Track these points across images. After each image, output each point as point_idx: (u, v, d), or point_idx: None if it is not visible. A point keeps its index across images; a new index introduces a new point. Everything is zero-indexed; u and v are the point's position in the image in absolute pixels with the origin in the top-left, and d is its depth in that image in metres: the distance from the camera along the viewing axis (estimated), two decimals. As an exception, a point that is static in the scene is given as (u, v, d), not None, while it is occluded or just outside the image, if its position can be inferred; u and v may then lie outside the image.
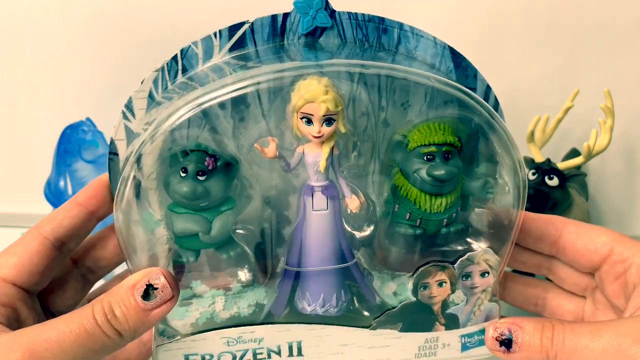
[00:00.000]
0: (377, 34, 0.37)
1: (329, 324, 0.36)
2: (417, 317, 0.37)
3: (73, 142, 0.54)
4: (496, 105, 0.39)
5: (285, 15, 0.36)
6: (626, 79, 0.49)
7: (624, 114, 0.45)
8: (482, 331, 0.37)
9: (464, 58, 0.38)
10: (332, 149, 0.34)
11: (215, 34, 0.36)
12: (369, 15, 0.37)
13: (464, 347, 0.38)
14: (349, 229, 0.36)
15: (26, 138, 0.62)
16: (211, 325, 0.36)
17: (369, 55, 0.36)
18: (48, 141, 0.56)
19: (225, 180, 0.34)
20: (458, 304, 0.37)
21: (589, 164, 0.52)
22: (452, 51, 0.38)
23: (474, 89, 0.38)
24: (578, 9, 0.48)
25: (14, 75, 0.59)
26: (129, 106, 0.36)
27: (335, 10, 0.36)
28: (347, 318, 0.37)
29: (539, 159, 0.50)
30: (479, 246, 0.37)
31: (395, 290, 0.37)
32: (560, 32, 0.46)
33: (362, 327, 0.36)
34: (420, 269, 0.36)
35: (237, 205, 0.35)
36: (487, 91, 0.39)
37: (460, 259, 0.36)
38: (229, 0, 0.45)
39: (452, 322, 0.37)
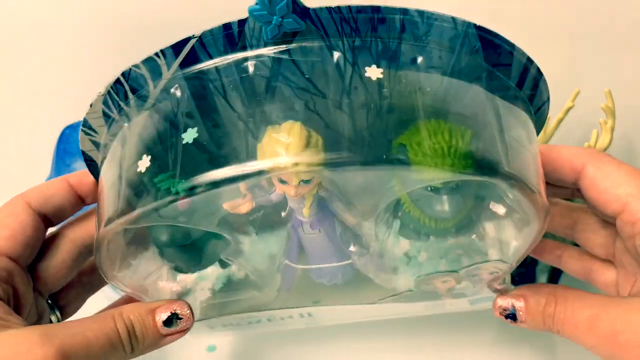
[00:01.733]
0: (370, 25, 0.27)
1: (333, 304, 0.38)
2: (422, 296, 0.37)
3: (72, 142, 0.51)
4: (538, 77, 0.30)
5: (242, 22, 0.27)
6: (627, 79, 0.47)
7: (625, 114, 0.42)
8: (491, 298, 0.38)
9: (496, 34, 0.28)
10: (317, 193, 0.30)
11: (157, 54, 0.28)
12: (357, 6, 0.26)
13: (473, 302, 0.39)
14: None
15: (25, 138, 0.59)
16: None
17: (365, 53, 0.28)
18: (47, 141, 0.53)
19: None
20: (464, 288, 0.36)
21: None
22: (480, 28, 0.28)
23: (507, 65, 0.29)
24: (578, 9, 0.46)
25: (13, 75, 0.55)
26: (86, 125, 0.32)
27: (308, 8, 0.26)
28: (354, 293, 0.38)
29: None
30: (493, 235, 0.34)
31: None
32: (561, 32, 0.44)
33: (367, 303, 0.38)
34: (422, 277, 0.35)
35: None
36: (527, 64, 0.30)
37: (466, 269, 0.34)
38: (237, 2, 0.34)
39: (458, 296, 0.37)
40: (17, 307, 0.32)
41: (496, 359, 0.38)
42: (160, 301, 0.33)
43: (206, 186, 0.25)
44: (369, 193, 0.29)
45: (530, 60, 0.29)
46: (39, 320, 0.33)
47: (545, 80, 0.31)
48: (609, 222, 0.34)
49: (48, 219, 0.34)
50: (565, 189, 0.35)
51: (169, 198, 0.25)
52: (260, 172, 0.25)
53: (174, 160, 0.26)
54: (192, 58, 0.28)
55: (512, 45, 0.28)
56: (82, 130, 0.32)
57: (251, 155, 0.26)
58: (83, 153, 0.34)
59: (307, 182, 0.28)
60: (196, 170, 0.26)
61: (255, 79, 0.28)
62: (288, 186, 0.28)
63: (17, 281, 0.32)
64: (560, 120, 0.42)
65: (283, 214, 0.32)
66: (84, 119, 0.31)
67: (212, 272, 0.36)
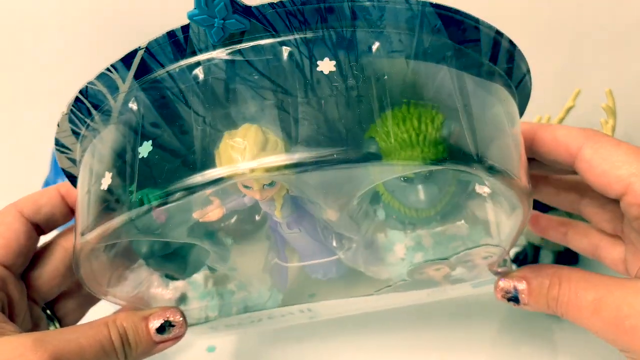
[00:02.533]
0: (319, 16, 0.26)
1: (331, 299, 0.37)
2: (417, 285, 0.36)
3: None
4: (511, 50, 0.29)
5: (185, 28, 0.26)
6: (628, 78, 0.46)
7: (626, 113, 0.42)
8: (493, 280, 0.36)
9: (457, 10, 0.26)
10: (287, 193, 0.29)
11: (109, 69, 0.28)
12: (301, -3, 0.25)
13: (475, 285, 0.38)
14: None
15: (24, 138, 0.59)
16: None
17: (319, 45, 0.26)
18: (46, 141, 0.51)
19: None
20: (461, 273, 0.35)
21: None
22: (437, 6, 0.26)
23: (476, 41, 0.28)
24: (579, 9, 0.46)
25: (12, 75, 0.56)
26: (59, 144, 0.32)
27: (250, 7, 0.25)
28: (350, 286, 0.37)
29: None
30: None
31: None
32: (561, 31, 0.44)
33: (365, 295, 0.37)
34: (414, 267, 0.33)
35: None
36: (497, 38, 0.28)
37: (456, 255, 0.32)
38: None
39: (457, 282, 0.36)
40: (11, 315, 0.32)
41: (496, 357, 0.37)
42: (153, 309, 0.33)
43: (160, 199, 0.25)
44: (337, 188, 0.28)
45: (499, 33, 0.27)
46: (34, 328, 0.34)
47: (520, 52, 0.29)
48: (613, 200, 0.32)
49: (40, 228, 0.35)
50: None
51: (127, 214, 0.25)
52: (217, 180, 0.25)
53: (131, 175, 0.26)
54: (144, 69, 0.27)
55: (476, 20, 0.27)
56: (56, 149, 0.32)
57: (208, 163, 0.25)
58: (63, 170, 0.34)
59: (270, 185, 0.27)
60: (151, 183, 0.25)
61: (212, 83, 0.27)
62: (253, 191, 0.27)
63: (10, 289, 0.33)
64: (561, 120, 0.42)
65: (257, 217, 0.31)
66: (55, 138, 0.31)
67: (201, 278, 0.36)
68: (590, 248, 0.34)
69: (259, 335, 0.44)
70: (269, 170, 0.24)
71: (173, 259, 0.33)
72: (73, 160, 0.33)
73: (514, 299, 0.32)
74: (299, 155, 0.25)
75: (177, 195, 0.25)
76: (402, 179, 0.28)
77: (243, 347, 0.45)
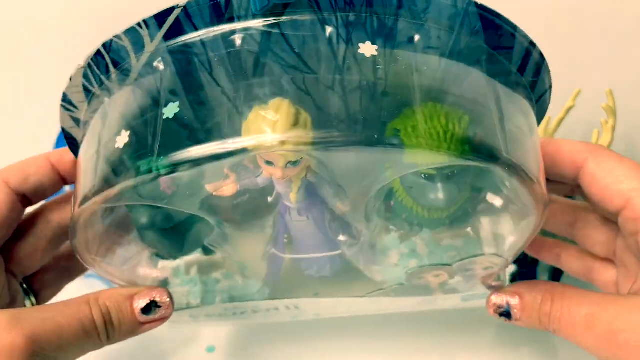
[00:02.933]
0: (365, 0, 0.26)
1: (321, 297, 0.36)
2: (411, 291, 0.36)
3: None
4: (540, 63, 0.29)
5: (229, -8, 0.25)
6: (628, 78, 0.46)
7: (626, 113, 0.42)
8: (484, 295, 0.36)
9: (498, 14, 0.27)
10: (306, 177, 0.28)
11: (140, 24, 0.26)
12: (352, -23, 0.25)
13: (465, 299, 0.38)
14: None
15: (24, 137, 0.57)
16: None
17: (359, 29, 0.26)
18: (46, 140, 0.52)
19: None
20: (457, 283, 0.35)
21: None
22: (481, 7, 0.26)
23: (509, 49, 0.28)
24: (579, 9, 0.46)
25: (12, 74, 0.54)
26: (66, 100, 0.30)
27: (300, -22, 0.25)
28: (342, 286, 0.37)
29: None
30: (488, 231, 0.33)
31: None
32: (561, 31, 0.44)
33: (355, 296, 0.36)
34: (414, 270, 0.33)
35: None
36: (530, 48, 0.28)
37: (459, 262, 0.32)
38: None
39: (450, 291, 0.36)
40: None
41: (496, 358, 0.37)
42: (139, 287, 0.32)
43: (186, 164, 0.24)
44: (359, 178, 0.27)
45: (532, 44, 0.28)
46: (11, 303, 0.32)
47: (547, 67, 0.29)
48: (610, 219, 0.33)
49: (27, 198, 0.33)
50: (565, 186, 0.33)
51: (149, 176, 0.24)
52: (243, 150, 0.24)
53: (153, 136, 0.25)
54: (177, 29, 0.27)
55: (515, 27, 0.27)
56: (61, 105, 0.31)
57: (235, 133, 0.24)
58: (63, 130, 0.32)
59: (294, 164, 0.26)
60: (177, 147, 0.24)
61: (242, 54, 0.26)
62: (274, 168, 0.26)
63: None
64: (562, 120, 0.42)
65: (270, 199, 0.30)
66: (64, 93, 0.30)
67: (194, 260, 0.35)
68: (583, 271, 0.35)
69: (259, 336, 0.43)
70: (299, 144, 0.24)
71: (171, 236, 0.31)
72: (77, 121, 0.31)
73: (506, 314, 0.32)
74: (330, 133, 0.24)
75: (203, 161, 0.24)
76: (423, 175, 0.28)
77: (243, 348, 0.43)
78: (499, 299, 0.32)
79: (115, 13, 0.52)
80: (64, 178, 0.34)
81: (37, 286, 0.35)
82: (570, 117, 0.42)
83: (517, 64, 0.29)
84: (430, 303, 0.38)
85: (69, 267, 0.36)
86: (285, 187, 0.28)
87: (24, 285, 0.34)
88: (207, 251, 0.34)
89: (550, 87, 0.31)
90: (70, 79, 0.29)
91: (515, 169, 0.25)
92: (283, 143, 0.24)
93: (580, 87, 0.42)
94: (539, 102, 0.31)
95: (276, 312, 0.39)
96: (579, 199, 0.34)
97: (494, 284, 0.33)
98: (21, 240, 0.33)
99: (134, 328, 0.31)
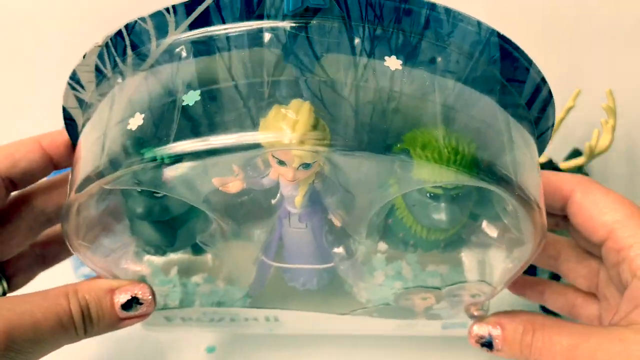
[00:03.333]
0: (395, 15, 0.26)
1: (303, 310, 0.36)
2: (395, 313, 0.36)
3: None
4: (548, 99, 0.30)
5: (264, -11, 0.25)
6: (628, 78, 0.46)
7: (626, 113, 0.42)
8: (464, 324, 0.36)
9: (517, 47, 0.27)
10: (313, 182, 0.28)
11: (167, 10, 0.26)
12: (386, -9, 0.25)
13: (445, 326, 0.38)
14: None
15: (24, 137, 0.55)
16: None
17: (383, 44, 0.26)
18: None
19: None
20: (442, 308, 0.35)
21: (591, 165, 0.48)
22: (503, 38, 0.27)
23: (521, 82, 0.29)
24: (579, 9, 0.46)
25: (12, 74, 0.53)
26: (74, 78, 0.30)
27: (336, -15, 0.25)
28: (325, 302, 0.36)
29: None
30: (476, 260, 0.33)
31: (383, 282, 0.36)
32: (561, 31, 0.44)
33: (338, 313, 0.36)
34: (402, 291, 0.33)
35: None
36: (541, 84, 0.29)
37: (449, 287, 0.32)
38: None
39: (433, 317, 0.36)
40: None
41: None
42: (121, 281, 0.30)
43: (195, 155, 0.23)
44: (369, 188, 0.27)
45: (544, 80, 0.29)
46: None
47: (553, 105, 0.30)
48: (592, 254, 0.34)
49: (13, 183, 0.32)
50: (550, 219, 0.34)
51: (155, 163, 0.23)
52: (259, 145, 0.24)
53: (169, 122, 0.24)
54: (204, 20, 0.26)
55: (530, 62, 0.28)
56: (68, 83, 0.30)
57: (253, 128, 0.24)
58: (64, 110, 0.31)
59: (307, 166, 0.26)
60: (196, 134, 0.24)
61: (266, 53, 0.26)
62: (287, 168, 0.26)
63: None
64: (562, 120, 0.42)
65: (273, 201, 0.30)
66: (74, 70, 0.29)
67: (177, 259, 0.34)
68: (567, 307, 0.35)
69: (260, 338, 0.42)
70: (317, 144, 0.24)
71: (163, 229, 0.30)
72: (80, 102, 0.31)
73: (488, 344, 0.32)
74: (347, 138, 0.24)
75: (215, 152, 0.23)
76: (428, 195, 0.28)
77: (243, 348, 0.42)
78: (481, 330, 0.32)
79: (115, 12, 0.52)
80: (55, 162, 0.33)
81: (10, 271, 0.33)
82: (570, 117, 0.42)
83: (527, 98, 0.30)
84: (410, 328, 0.38)
85: (43, 254, 0.35)
86: (292, 190, 0.28)
87: None
88: (197, 250, 0.33)
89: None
90: (84, 57, 0.28)
91: (523, 193, 0.26)
92: (302, 142, 0.24)
93: (580, 87, 0.42)
94: (541, 137, 0.32)
95: (255, 322, 0.38)
96: (563, 234, 0.35)
97: (476, 313, 0.34)
98: (0, 225, 0.31)
99: (113, 323, 0.30)
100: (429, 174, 0.26)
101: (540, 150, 0.33)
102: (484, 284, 0.32)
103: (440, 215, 0.28)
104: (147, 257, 0.34)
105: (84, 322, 0.29)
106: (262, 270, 0.35)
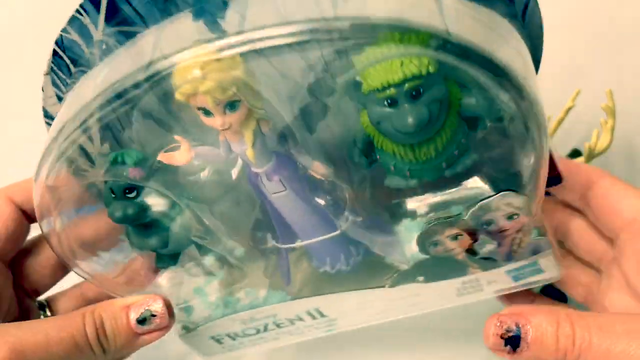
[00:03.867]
0: None
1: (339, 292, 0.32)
2: (440, 269, 0.30)
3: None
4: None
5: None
6: (628, 78, 0.47)
7: (626, 114, 0.42)
8: (532, 264, 0.30)
9: None
10: (258, 128, 0.26)
11: (79, 12, 0.27)
12: None
13: (516, 278, 0.31)
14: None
15: (24, 136, 0.55)
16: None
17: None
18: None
19: (164, 186, 0.29)
20: (489, 249, 0.29)
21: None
22: None
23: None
24: (579, 9, 0.47)
25: (12, 74, 0.55)
26: (48, 114, 0.31)
27: None
28: (361, 278, 0.32)
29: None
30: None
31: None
32: (561, 31, 0.42)
33: (378, 287, 0.32)
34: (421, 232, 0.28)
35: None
36: None
37: (471, 210, 0.27)
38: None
39: (488, 264, 0.30)
40: None
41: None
42: (134, 296, 0.30)
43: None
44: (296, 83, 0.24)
45: None
46: (22, 319, 0.32)
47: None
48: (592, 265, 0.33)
49: (31, 216, 0.33)
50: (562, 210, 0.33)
51: None
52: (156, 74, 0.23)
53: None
54: (114, 10, 0.27)
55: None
56: (47, 122, 0.32)
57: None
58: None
59: (232, 107, 0.24)
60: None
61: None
62: (214, 118, 0.25)
63: None
64: (561, 120, 0.42)
65: (234, 170, 0.28)
66: (43, 108, 0.31)
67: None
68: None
69: None
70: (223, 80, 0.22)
71: (153, 232, 0.30)
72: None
73: (514, 338, 0.25)
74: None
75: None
76: (386, 102, 0.25)
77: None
78: (505, 321, 0.26)
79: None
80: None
81: (56, 309, 0.35)
82: (570, 117, 0.42)
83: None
84: (474, 288, 0.32)
85: (85, 293, 0.36)
86: (240, 144, 0.26)
87: (37, 302, 0.34)
88: (199, 248, 0.32)
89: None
90: (43, 90, 0.30)
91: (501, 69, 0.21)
92: (204, 76, 0.22)
93: (580, 87, 0.41)
94: (526, 15, 0.27)
95: (302, 322, 0.35)
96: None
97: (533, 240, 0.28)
98: (29, 255, 0.33)
99: (130, 339, 0.29)
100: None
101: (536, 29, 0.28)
102: (511, 195, 0.26)
103: (406, 120, 0.24)
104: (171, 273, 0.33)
105: (100, 341, 0.28)
106: (281, 260, 0.32)
